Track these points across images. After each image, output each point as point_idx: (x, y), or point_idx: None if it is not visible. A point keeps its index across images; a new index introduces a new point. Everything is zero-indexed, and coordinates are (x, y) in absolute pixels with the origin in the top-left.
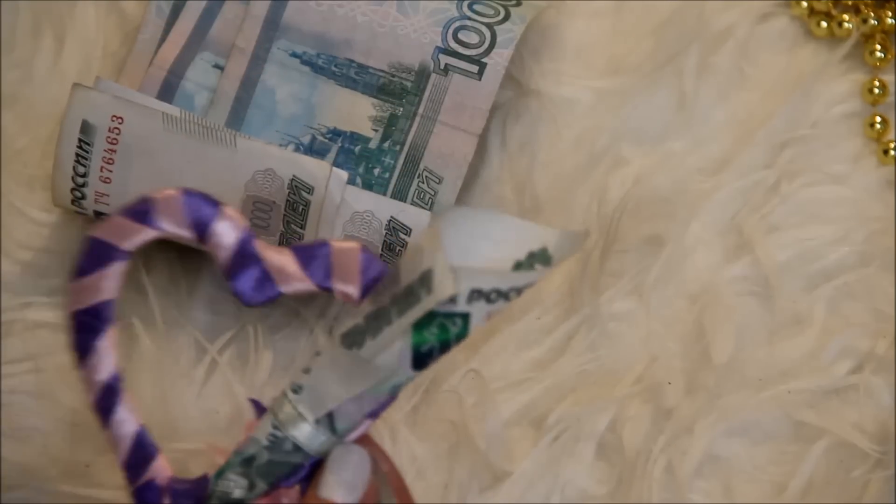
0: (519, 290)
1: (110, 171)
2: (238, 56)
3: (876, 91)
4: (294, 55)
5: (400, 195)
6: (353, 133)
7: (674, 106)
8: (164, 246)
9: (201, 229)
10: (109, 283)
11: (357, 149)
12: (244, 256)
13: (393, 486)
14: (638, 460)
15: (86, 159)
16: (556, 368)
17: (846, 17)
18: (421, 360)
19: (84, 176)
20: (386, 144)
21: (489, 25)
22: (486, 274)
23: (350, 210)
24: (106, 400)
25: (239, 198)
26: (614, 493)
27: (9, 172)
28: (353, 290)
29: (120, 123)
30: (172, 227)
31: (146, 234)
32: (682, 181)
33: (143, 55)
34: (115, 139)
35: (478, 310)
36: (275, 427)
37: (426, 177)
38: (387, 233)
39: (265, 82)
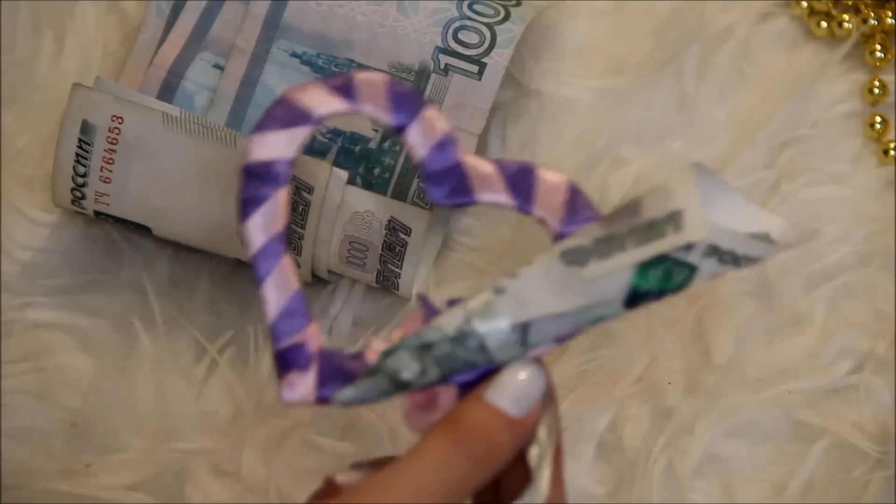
0: (750, 261)
1: (110, 171)
2: (238, 56)
3: (876, 91)
4: (294, 55)
5: (400, 195)
6: (353, 133)
7: (674, 106)
8: (165, 246)
9: (402, 118)
10: (291, 142)
11: (357, 149)
12: (443, 155)
13: (554, 416)
14: (638, 460)
15: (86, 159)
16: (556, 368)
17: (846, 17)
18: (635, 299)
19: (84, 176)
20: (386, 144)
21: (489, 25)
22: (728, 232)
23: (350, 210)
24: (268, 256)
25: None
26: (614, 493)
27: (9, 172)
28: (553, 220)
29: (120, 123)
30: (372, 109)
31: (341, 108)
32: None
33: (143, 55)
34: (115, 139)
35: (706, 266)
36: (466, 321)
37: None
38: (387, 233)
39: (265, 82)
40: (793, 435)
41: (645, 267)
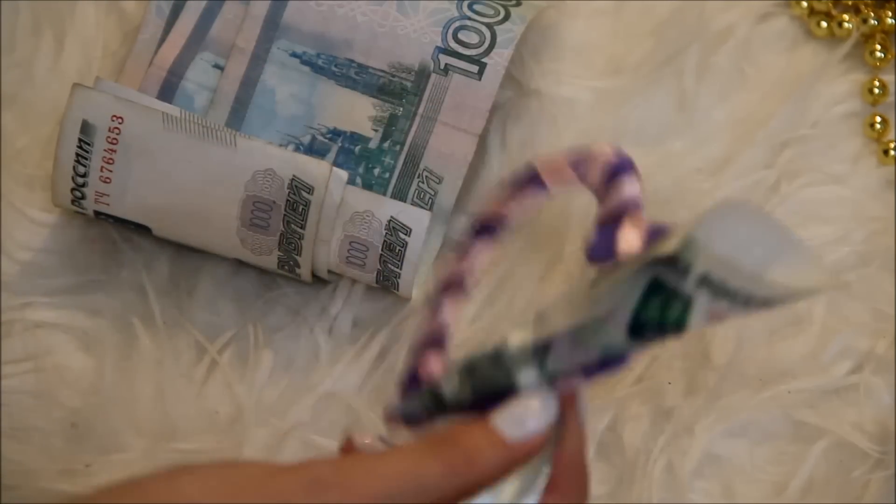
0: (750, 304)
1: (110, 171)
2: (238, 56)
3: (876, 91)
4: (294, 55)
5: (400, 195)
6: (353, 133)
7: (674, 106)
8: (165, 246)
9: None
10: (526, 204)
11: (357, 149)
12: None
13: (566, 453)
14: (638, 460)
15: (86, 159)
16: None
17: (846, 17)
18: (637, 328)
19: (84, 176)
20: (386, 144)
21: (489, 25)
22: (725, 266)
23: (350, 210)
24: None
25: (239, 198)
26: (614, 493)
27: (9, 172)
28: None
29: (120, 123)
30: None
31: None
32: (682, 181)
33: (143, 55)
34: (115, 139)
35: (701, 300)
36: (503, 344)
37: (426, 177)
38: (387, 233)
39: (265, 82)
40: (793, 435)
41: (647, 294)
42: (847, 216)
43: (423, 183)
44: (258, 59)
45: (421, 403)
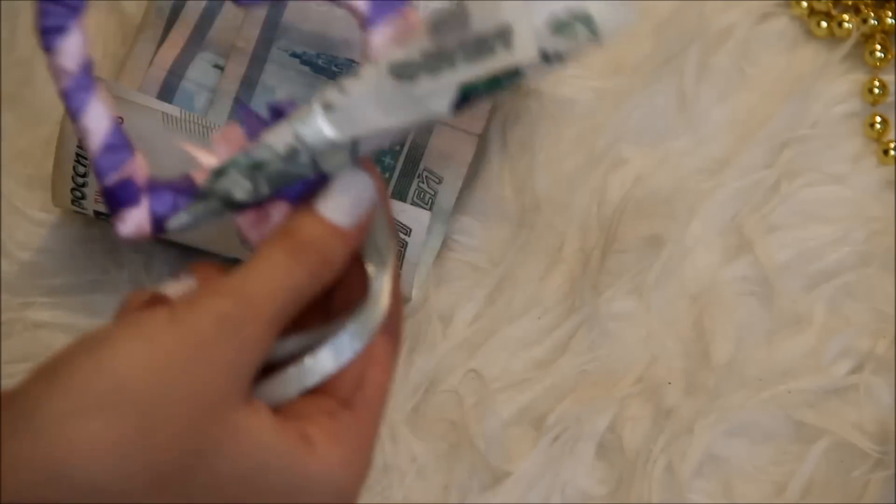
0: (571, 53)
1: None
2: (238, 56)
3: (876, 91)
4: (294, 55)
5: (400, 195)
6: None
7: (674, 106)
8: (164, 246)
9: None
10: None
11: None
12: None
13: (387, 216)
14: (638, 460)
15: (86, 159)
16: (556, 368)
17: (846, 17)
18: (464, 103)
19: (84, 176)
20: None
21: None
22: (549, 35)
23: None
24: (79, 89)
25: None
26: (614, 493)
27: (9, 172)
28: (364, 7)
29: (120, 123)
30: None
31: None
32: (682, 181)
33: (143, 55)
34: None
35: (539, 67)
36: (297, 139)
37: (426, 177)
38: None
39: (265, 82)
40: (793, 435)
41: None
42: (847, 216)
43: (423, 183)
44: (258, 59)
45: (208, 210)
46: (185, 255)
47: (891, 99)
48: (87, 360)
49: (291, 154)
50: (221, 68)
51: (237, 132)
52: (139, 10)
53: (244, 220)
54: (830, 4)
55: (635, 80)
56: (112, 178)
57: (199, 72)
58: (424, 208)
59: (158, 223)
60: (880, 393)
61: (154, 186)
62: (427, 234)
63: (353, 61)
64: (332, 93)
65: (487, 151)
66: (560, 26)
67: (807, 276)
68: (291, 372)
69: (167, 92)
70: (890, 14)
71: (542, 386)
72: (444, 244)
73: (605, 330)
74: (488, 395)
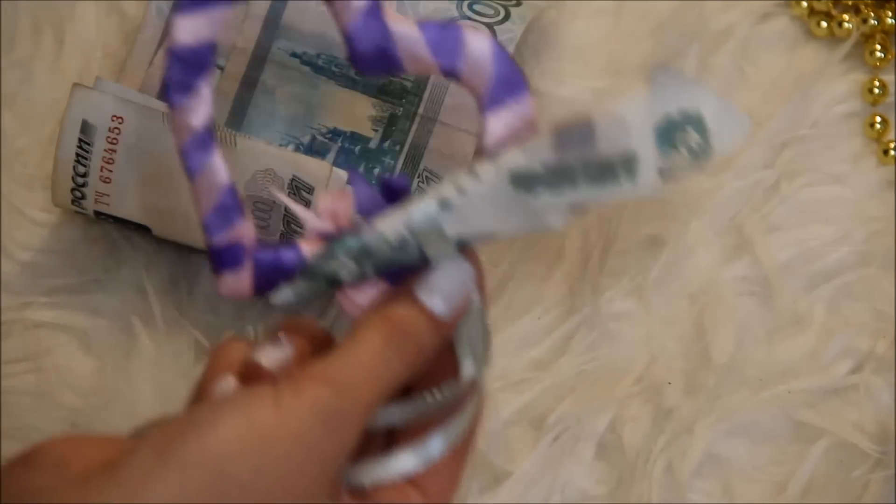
0: (682, 171)
1: (110, 171)
2: (238, 56)
3: (876, 91)
4: (294, 55)
5: None
6: (353, 133)
7: None
8: (165, 246)
9: None
10: (215, 24)
11: (357, 149)
12: (370, 20)
13: (482, 307)
14: (638, 460)
15: (86, 159)
16: (556, 368)
17: (846, 17)
18: (578, 210)
19: (84, 176)
20: (386, 144)
21: (489, 25)
22: (670, 157)
23: None
24: (196, 148)
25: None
26: (614, 493)
27: (9, 172)
28: (481, 82)
29: (120, 123)
30: None
31: None
32: (682, 181)
33: (143, 55)
34: (115, 139)
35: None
36: (410, 233)
37: (426, 177)
38: None
39: (265, 82)
40: (793, 435)
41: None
42: (847, 216)
43: (423, 183)
44: (258, 59)
45: (311, 289)
46: (185, 255)
47: (891, 99)
48: (195, 441)
49: (402, 245)
50: (221, 68)
51: (347, 203)
52: (139, 10)
53: (343, 294)
54: (830, 4)
55: (635, 80)
56: (220, 240)
57: None
58: None
59: (260, 288)
60: (880, 393)
61: (260, 250)
62: None
63: None
64: (449, 189)
65: None
66: (671, 130)
67: (807, 276)
68: (379, 463)
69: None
70: (890, 14)
71: (542, 386)
72: None
73: (605, 330)
74: (488, 395)
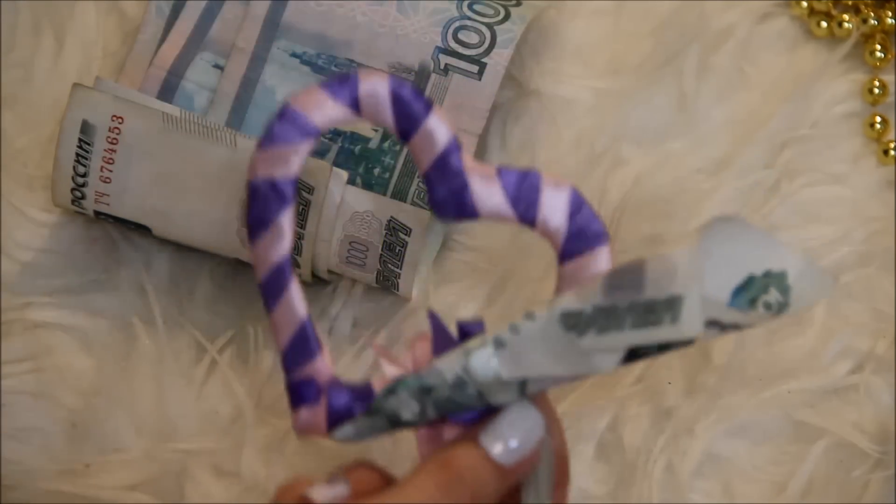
0: (753, 324)
1: (110, 171)
2: (238, 56)
3: (876, 91)
4: (294, 55)
5: (400, 195)
6: (353, 133)
7: (674, 106)
8: (165, 246)
9: (407, 125)
10: (296, 158)
11: (357, 149)
12: (448, 166)
13: (556, 459)
14: (638, 460)
15: (86, 159)
16: None
17: (846, 17)
18: (633, 358)
19: (84, 176)
20: (386, 144)
21: (489, 25)
22: (728, 309)
23: (350, 210)
24: (276, 281)
25: (239, 198)
26: (614, 493)
27: (9, 172)
28: (558, 232)
29: (120, 123)
30: (375, 116)
31: (345, 116)
32: (682, 181)
33: (143, 55)
34: (115, 139)
35: (709, 334)
36: (465, 371)
37: None
38: (387, 233)
39: (265, 82)
40: (793, 435)
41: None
42: (847, 216)
43: (423, 183)
44: (258, 59)
45: (374, 426)
46: (185, 255)
47: (891, 99)
48: None
49: (459, 384)
50: (221, 68)
51: (425, 348)
52: (139, 10)
53: (420, 435)
54: (830, 4)
55: (635, 80)
56: (297, 375)
57: (199, 72)
58: (424, 208)
59: (333, 425)
60: (880, 393)
61: (334, 387)
62: (427, 234)
63: (352, 61)
64: (505, 330)
65: (487, 151)
66: (753, 289)
67: None
68: None
69: (167, 92)
70: (890, 14)
71: None
72: (444, 244)
73: None
74: None
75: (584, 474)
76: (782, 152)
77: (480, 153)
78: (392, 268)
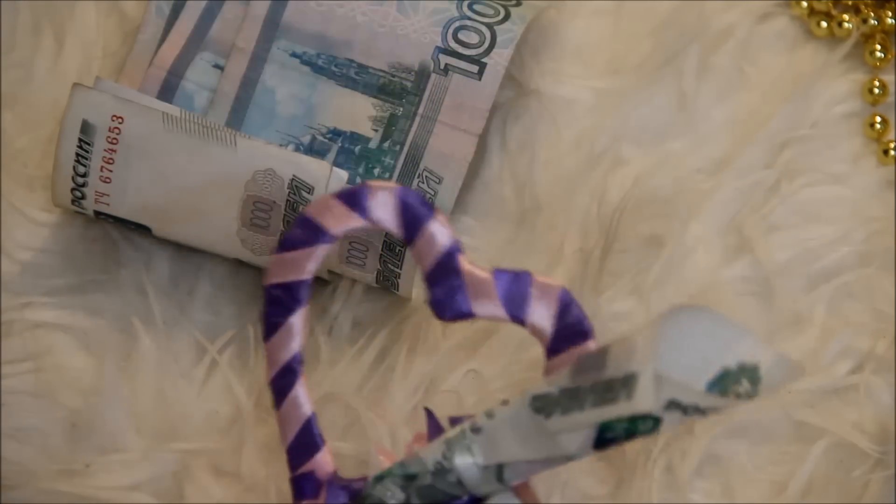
0: (717, 410)
1: (110, 171)
2: (238, 56)
3: (876, 91)
4: (294, 55)
5: None
6: (353, 133)
7: (674, 106)
8: (165, 246)
9: (412, 229)
10: (310, 263)
11: (357, 149)
12: (448, 268)
13: None
14: (638, 460)
15: (86, 159)
16: None
17: (846, 17)
18: (603, 443)
19: (84, 176)
20: (386, 144)
21: (489, 25)
22: (689, 390)
23: None
24: (284, 379)
25: (239, 198)
26: (614, 493)
27: (9, 172)
28: (546, 329)
29: (120, 123)
30: (384, 220)
31: (357, 223)
32: (682, 181)
33: (143, 55)
34: (115, 139)
35: (672, 418)
36: (444, 457)
37: (426, 177)
38: (387, 233)
39: (265, 82)
40: (793, 435)
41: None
42: (847, 216)
43: (423, 183)
44: (258, 59)
45: None
46: (185, 255)
47: (891, 99)
48: None
49: (440, 470)
50: (221, 68)
51: (423, 441)
52: (139, 10)
53: None
54: (830, 4)
55: (635, 80)
56: (298, 471)
57: (199, 72)
58: None
59: None
60: (880, 393)
61: (333, 482)
62: None
63: (352, 61)
64: (482, 416)
65: (487, 151)
66: (727, 380)
67: (807, 276)
68: None
69: (167, 92)
70: (890, 14)
71: None
72: None
73: (605, 330)
74: (488, 395)
75: (584, 474)
76: (782, 152)
77: (480, 153)
78: (392, 268)
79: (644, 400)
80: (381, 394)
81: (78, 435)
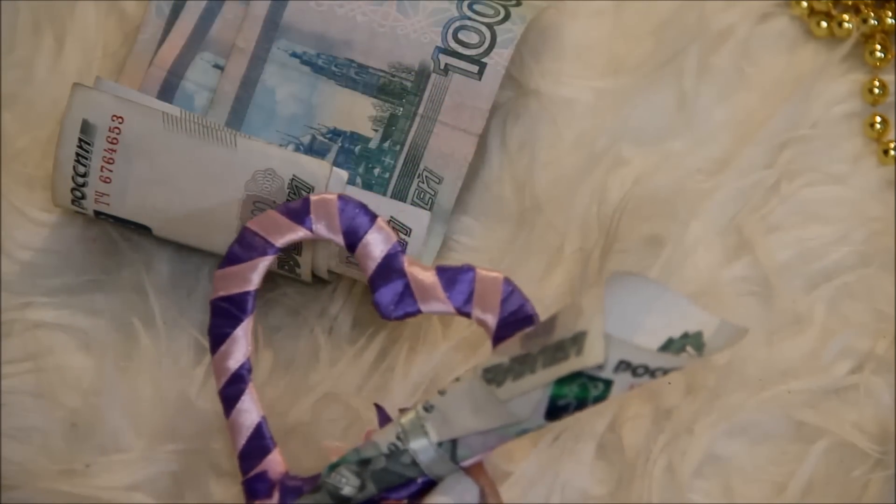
0: (665, 371)
1: (110, 171)
2: (238, 56)
3: (876, 91)
4: (294, 55)
5: (400, 195)
6: (353, 133)
7: (674, 106)
8: (165, 246)
9: (353, 237)
10: (254, 274)
11: (357, 149)
12: (390, 270)
13: None
14: (638, 460)
15: (86, 159)
16: None
17: (846, 17)
18: (555, 412)
19: (84, 176)
20: (386, 144)
21: (489, 25)
22: (637, 349)
23: None
24: (233, 387)
25: (239, 198)
26: (614, 493)
27: (9, 172)
28: (491, 319)
29: (120, 123)
30: (325, 230)
31: (299, 234)
32: (682, 181)
33: (143, 55)
34: (115, 139)
35: (621, 380)
36: (398, 438)
37: (426, 177)
38: None
39: (265, 82)
40: (793, 435)
41: (561, 381)
42: (847, 216)
43: (423, 183)
44: (258, 59)
45: (316, 501)
46: (185, 255)
47: (891, 99)
48: None
49: (394, 452)
50: (221, 68)
51: (372, 433)
52: (139, 10)
53: None
54: (830, 4)
55: (635, 80)
56: (251, 473)
57: (199, 72)
58: (424, 208)
59: None
60: (880, 393)
61: (286, 481)
62: (427, 234)
63: (352, 61)
64: (435, 395)
65: (487, 151)
66: (670, 343)
67: (807, 276)
68: None
69: (167, 92)
70: (890, 14)
71: None
72: (444, 244)
73: None
74: None
75: (584, 474)
76: (782, 152)
77: (480, 153)
78: None
79: (594, 353)
80: (381, 394)
81: (78, 435)
